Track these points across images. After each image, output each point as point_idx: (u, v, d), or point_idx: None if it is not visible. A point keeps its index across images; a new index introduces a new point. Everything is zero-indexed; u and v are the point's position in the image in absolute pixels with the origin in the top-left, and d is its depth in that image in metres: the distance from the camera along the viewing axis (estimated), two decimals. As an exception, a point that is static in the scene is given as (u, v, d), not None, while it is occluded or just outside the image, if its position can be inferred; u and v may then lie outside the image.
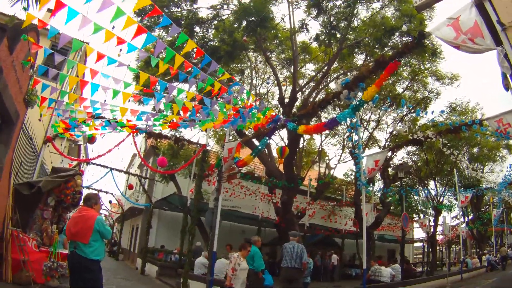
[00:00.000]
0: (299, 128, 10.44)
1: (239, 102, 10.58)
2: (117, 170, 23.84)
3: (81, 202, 24.26)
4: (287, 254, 10.83)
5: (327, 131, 30.40)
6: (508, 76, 8.91)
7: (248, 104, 10.81)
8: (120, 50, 7.34)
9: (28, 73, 11.00)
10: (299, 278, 10.85)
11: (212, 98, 10.15)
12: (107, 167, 23.51)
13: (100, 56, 7.49)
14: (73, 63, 8.77)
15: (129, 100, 9.56)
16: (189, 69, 8.10)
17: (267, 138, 13.13)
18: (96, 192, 12.88)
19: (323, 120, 23.09)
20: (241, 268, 9.89)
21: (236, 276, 9.86)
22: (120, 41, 7.07)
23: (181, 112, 10.66)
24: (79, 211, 7.21)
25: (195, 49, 8.60)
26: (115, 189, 32.24)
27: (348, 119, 17.76)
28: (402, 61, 21.25)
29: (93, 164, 23.49)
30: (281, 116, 12.09)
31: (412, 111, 24.93)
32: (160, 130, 15.67)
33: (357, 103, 8.56)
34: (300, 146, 29.47)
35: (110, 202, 35.75)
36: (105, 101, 10.10)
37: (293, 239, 11.26)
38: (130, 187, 29.53)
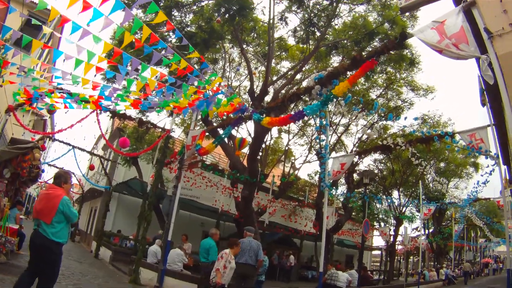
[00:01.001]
0: (263, 119, 10.11)
1: (205, 84, 10.15)
2: (79, 148, 23.25)
3: (41, 178, 23.79)
4: (243, 250, 10.46)
5: (295, 130, 30.33)
6: (485, 92, 8.76)
7: (215, 88, 10.41)
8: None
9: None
10: (253, 275, 10.56)
11: (177, 78, 9.78)
12: (69, 144, 22.91)
13: (64, 21, 7.06)
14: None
15: (95, 75, 9.13)
16: (155, 42, 7.72)
17: (231, 127, 12.77)
18: (66, 170, 12.47)
19: (293, 116, 22.98)
20: (230, 266, 9.51)
21: (225, 274, 9.47)
22: (86, 6, 6.63)
23: (144, 90, 10.23)
24: (47, 189, 7.01)
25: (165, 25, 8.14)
26: (76, 168, 31.60)
27: (318, 119, 17.63)
28: (379, 68, 21.23)
29: (55, 140, 22.88)
30: (248, 106, 11.72)
31: (383, 118, 24.94)
32: (124, 110, 15.22)
33: (327, 96, 8.27)
34: (267, 143, 29.34)
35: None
36: (71, 74, 9.67)
37: (249, 235, 10.93)
38: (91, 167, 28.94)
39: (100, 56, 8.04)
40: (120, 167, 27.41)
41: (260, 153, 28.05)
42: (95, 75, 9.08)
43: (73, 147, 23.03)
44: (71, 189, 6.92)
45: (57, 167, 29.73)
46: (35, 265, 6.45)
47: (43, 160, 30.91)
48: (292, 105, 22.57)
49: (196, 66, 11.44)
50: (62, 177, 6.88)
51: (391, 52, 8.29)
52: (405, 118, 17.11)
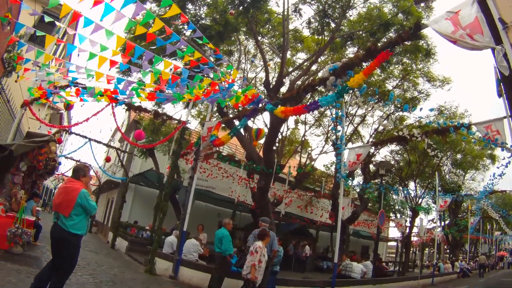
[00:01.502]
0: (277, 109, 10.09)
1: (220, 76, 10.13)
2: (95, 141, 23.37)
3: (57, 171, 23.89)
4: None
5: (312, 121, 30.24)
6: (501, 83, 8.68)
7: (230, 80, 10.40)
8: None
9: (5, 31, 10.61)
10: (268, 266, 10.51)
11: (191, 69, 9.80)
12: (85, 137, 23.05)
13: (76, 16, 7.12)
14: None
15: (109, 69, 9.19)
16: (169, 35, 7.75)
17: (246, 118, 12.77)
18: (85, 163, 12.56)
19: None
20: (265, 260, 9.64)
21: (260, 269, 9.57)
22: (98, 1, 6.68)
23: (158, 83, 10.26)
24: (65, 182, 7.02)
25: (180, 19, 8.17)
26: (93, 161, 31.75)
27: (334, 110, 17.58)
28: (395, 59, 21.08)
29: (72, 133, 23.06)
30: (263, 97, 11.70)
31: (399, 109, 24.79)
32: (140, 103, 15.30)
33: (342, 88, 8.26)
34: (284, 134, 29.33)
35: (88, 173, 35.05)
36: (85, 67, 9.74)
37: (264, 225, 10.92)
38: (107, 159, 29.13)
39: (114, 50, 8.09)
40: (136, 159, 27.54)
41: (277, 144, 28.12)
42: (109, 69, 9.14)
43: (89, 139, 23.17)
44: (90, 182, 6.94)
45: (74, 160, 30.01)
46: (54, 257, 6.52)
47: (59, 153, 31.22)
48: (308, 96, 22.56)
49: (211, 59, 11.38)
50: (81, 171, 6.92)
51: (406, 42, 8.26)
52: (421, 109, 16.95)
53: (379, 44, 8.05)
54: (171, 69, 9.45)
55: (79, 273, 10.73)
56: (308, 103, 9.52)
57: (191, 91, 10.85)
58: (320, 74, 19.18)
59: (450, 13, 6.42)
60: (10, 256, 10.47)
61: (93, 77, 9.92)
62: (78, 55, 8.27)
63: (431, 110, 16.71)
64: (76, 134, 23.06)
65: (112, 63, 8.32)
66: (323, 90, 18.82)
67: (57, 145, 14.96)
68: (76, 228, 6.41)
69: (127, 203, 24.60)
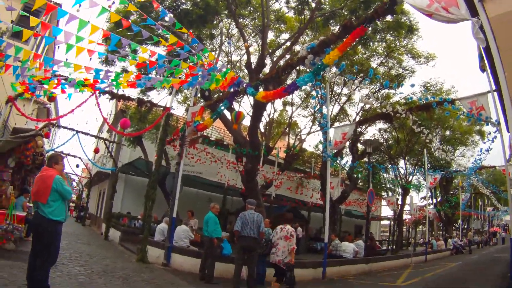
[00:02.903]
0: (258, 94, 10.09)
1: (196, 60, 10.04)
2: (82, 133, 23.22)
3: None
4: (245, 223, 10.48)
5: (299, 102, 30.23)
6: (484, 57, 8.69)
7: (207, 64, 10.33)
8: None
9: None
10: (256, 248, 10.54)
11: (169, 54, 9.74)
12: (72, 129, 22.92)
13: (50, 8, 7.08)
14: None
15: (90, 59, 9.12)
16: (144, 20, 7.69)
17: (227, 101, 12.73)
18: (59, 152, 12.53)
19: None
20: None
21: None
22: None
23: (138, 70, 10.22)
24: (41, 172, 7.08)
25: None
26: (82, 153, 31.71)
27: (318, 90, 17.59)
28: (378, 36, 21.04)
29: (59, 126, 22.97)
30: (242, 79, 11.62)
31: (384, 87, 24.84)
32: (123, 91, 15.26)
33: (318, 66, 8.24)
34: (271, 116, 29.36)
35: (77, 166, 35.00)
36: (66, 60, 9.66)
37: (250, 208, 10.91)
38: (96, 150, 28.95)
39: (89, 39, 8.02)
40: (125, 149, 27.44)
41: (266, 127, 28.12)
42: (90, 59, 9.09)
43: (77, 132, 23.03)
44: (64, 169, 7.09)
45: (64, 154, 29.86)
46: (35, 246, 6.63)
47: (48, 147, 31.07)
48: (294, 76, 22.53)
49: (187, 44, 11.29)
50: (53, 158, 7.14)
51: (381, 17, 8.25)
52: (412, 85, 17.03)
53: (354, 20, 8.04)
54: (149, 55, 9.41)
55: (71, 264, 10.78)
56: (287, 85, 9.50)
57: (166, 78, 10.78)
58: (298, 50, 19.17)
59: (426, -14, 6.42)
60: (2, 252, 10.48)
61: (71, 67, 9.83)
62: (58, 47, 8.26)
63: (412, 85, 16.67)
64: (63, 127, 22.97)
65: (90, 52, 8.25)
66: (308, 70, 18.85)
67: (45, 139, 14.92)
68: (55, 214, 6.56)
69: (118, 194, 24.62)
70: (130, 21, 7.78)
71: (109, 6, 7.41)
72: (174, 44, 8.69)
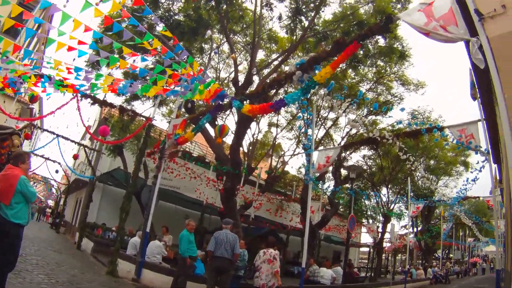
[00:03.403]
0: (244, 107, 9.75)
1: (180, 68, 9.64)
2: (63, 137, 22.81)
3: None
4: (219, 243, 10.12)
5: (284, 124, 30.07)
6: (476, 85, 8.46)
7: (191, 73, 9.94)
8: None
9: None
10: (229, 269, 10.19)
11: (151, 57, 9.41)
12: (53, 133, 22.48)
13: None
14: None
15: (73, 59, 8.74)
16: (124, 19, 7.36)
17: (210, 115, 12.37)
18: (24, 150, 12.12)
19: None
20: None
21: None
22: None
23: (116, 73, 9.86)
24: (5, 170, 6.66)
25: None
26: (62, 158, 31.20)
27: (304, 112, 17.32)
28: (369, 62, 20.92)
29: (40, 128, 22.57)
30: (226, 93, 11.26)
31: (372, 112, 24.73)
32: (105, 96, 14.92)
33: (308, 83, 7.90)
34: (256, 136, 29.16)
35: (56, 171, 34.42)
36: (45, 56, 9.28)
37: (225, 227, 10.57)
38: (75, 156, 28.47)
39: (70, 35, 7.65)
40: (105, 158, 27.01)
41: (249, 147, 27.86)
42: (74, 59, 8.73)
43: (57, 135, 22.61)
44: (29, 169, 6.92)
45: (45, 158, 29.42)
46: None
47: (29, 149, 30.47)
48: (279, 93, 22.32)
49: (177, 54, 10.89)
50: (20, 157, 6.81)
51: (376, 35, 7.98)
52: (402, 109, 16.95)
53: (347, 38, 7.75)
54: (134, 60, 9.08)
55: (35, 272, 10.43)
56: (274, 101, 9.18)
57: (147, 85, 10.40)
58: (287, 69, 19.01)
59: (423, 4, 6.25)
60: None
61: (50, 63, 9.47)
62: (37, 39, 7.91)
63: (402, 110, 16.58)
64: (44, 130, 22.56)
65: (70, 48, 7.85)
66: (295, 88, 18.66)
67: (26, 140, 14.47)
68: (17, 217, 6.27)
69: (94, 203, 24.26)
70: (114, 21, 7.37)
71: (96, 4, 7.03)
72: (158, 49, 8.37)
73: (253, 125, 28.30)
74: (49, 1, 6.94)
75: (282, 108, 10.18)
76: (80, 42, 7.72)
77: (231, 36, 20.53)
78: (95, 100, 15.69)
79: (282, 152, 33.48)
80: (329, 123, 29.11)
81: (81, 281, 10.92)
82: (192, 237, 11.56)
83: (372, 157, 35.62)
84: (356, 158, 47.59)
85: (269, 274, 9.91)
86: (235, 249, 10.10)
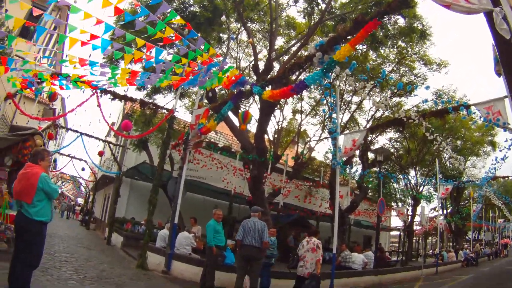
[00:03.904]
0: (264, 92, 9.56)
1: (196, 55, 9.45)
2: (86, 135, 22.90)
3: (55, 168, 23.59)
4: (247, 231, 9.99)
5: (308, 110, 29.84)
6: (499, 61, 8.17)
7: (207, 60, 9.76)
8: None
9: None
10: (258, 258, 10.03)
11: (164, 47, 9.28)
12: (76, 131, 22.60)
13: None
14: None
15: (90, 55, 8.68)
16: (137, 8, 7.23)
17: (231, 102, 12.21)
18: (44, 148, 12.21)
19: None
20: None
21: None
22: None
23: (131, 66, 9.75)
24: (24, 168, 6.59)
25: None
26: (88, 156, 31.47)
27: (328, 96, 17.09)
28: (390, 43, 20.57)
29: (61, 127, 22.69)
30: (247, 78, 11.09)
31: (397, 93, 24.41)
32: (125, 91, 14.92)
33: (328, 64, 7.69)
34: (281, 124, 29.06)
35: (83, 169, 34.70)
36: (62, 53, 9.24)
37: (254, 215, 10.43)
38: (100, 153, 28.63)
39: (81, 29, 7.54)
40: (130, 153, 27.12)
41: (275, 134, 27.76)
42: (90, 55, 8.67)
43: (81, 134, 22.71)
44: (49, 167, 6.96)
45: (70, 156, 29.64)
46: (18, 247, 6.25)
47: (55, 148, 30.74)
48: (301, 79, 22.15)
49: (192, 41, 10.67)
50: (39, 154, 6.68)
51: (395, 12, 7.75)
52: (427, 87, 16.62)
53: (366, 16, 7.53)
54: (150, 52, 8.94)
55: (63, 268, 10.42)
56: (294, 84, 8.93)
57: (165, 76, 10.26)
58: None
59: (443, -24, 5.93)
60: None
61: (67, 63, 9.40)
62: (51, 38, 7.84)
63: (427, 88, 16.22)
64: (67, 129, 22.68)
65: (83, 43, 7.75)
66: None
67: (50, 140, 14.57)
68: (40, 215, 6.20)
69: (122, 198, 24.51)
70: (125, 11, 7.24)
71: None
72: (172, 37, 8.24)
73: (277, 112, 28.24)
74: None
75: (304, 90, 10.00)
76: (92, 36, 7.62)
77: (248, 24, 20.36)
78: (115, 96, 15.68)
79: (308, 139, 33.31)
80: (354, 106, 28.91)
81: (110, 275, 10.89)
82: (219, 226, 11.48)
83: (399, 139, 35.34)
84: (382, 141, 47.20)
85: (313, 262, 9.95)
86: (264, 237, 9.94)
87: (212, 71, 9.75)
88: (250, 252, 9.84)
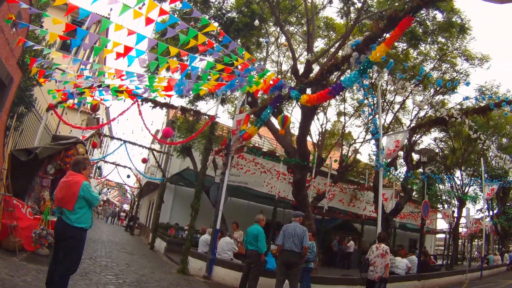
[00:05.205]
0: (301, 97, 9.49)
1: (231, 60, 9.41)
2: (130, 142, 23.24)
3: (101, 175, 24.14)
4: (287, 236, 9.95)
5: (351, 111, 29.65)
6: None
7: (243, 64, 9.74)
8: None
9: (12, 33, 10.44)
10: (298, 263, 9.98)
11: (199, 54, 9.30)
12: (120, 139, 22.96)
13: (71, 9, 6.78)
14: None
15: (128, 65, 8.76)
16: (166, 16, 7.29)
17: (271, 107, 12.16)
18: (84, 156, 12.45)
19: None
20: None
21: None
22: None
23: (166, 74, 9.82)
24: (66, 176, 6.71)
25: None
26: (131, 163, 32.03)
27: (368, 96, 16.89)
28: (429, 39, 20.23)
29: (105, 135, 23.06)
30: (284, 82, 11.03)
31: (439, 92, 24.00)
32: (165, 99, 15.06)
33: (364, 63, 7.58)
34: (324, 127, 29.01)
35: (128, 176, 35.25)
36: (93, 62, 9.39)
37: (295, 220, 10.37)
38: (143, 160, 29.04)
39: (114, 41, 7.64)
40: (174, 159, 27.44)
41: (319, 137, 27.64)
42: (128, 65, 8.76)
43: (124, 142, 23.06)
44: (90, 175, 7.10)
45: (115, 164, 30.11)
46: (58, 252, 6.35)
47: (99, 156, 31.29)
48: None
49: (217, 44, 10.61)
50: (81, 163, 6.78)
51: (429, 5, 7.56)
52: (467, 83, 16.23)
53: (400, 11, 7.34)
54: (186, 59, 9.01)
55: (103, 273, 10.59)
56: (331, 86, 8.82)
57: (201, 82, 10.30)
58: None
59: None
60: (35, 257, 10.39)
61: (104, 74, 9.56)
62: (84, 49, 7.98)
63: (467, 84, 15.91)
64: (111, 137, 23.03)
65: (118, 54, 7.84)
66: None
67: (94, 149, 14.80)
68: (81, 222, 6.32)
69: (166, 204, 24.89)
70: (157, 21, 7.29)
71: (139, 8, 6.95)
72: (204, 44, 8.21)
73: (321, 115, 28.17)
74: (88, 10, 6.96)
75: (346, 92, 9.90)
76: (126, 48, 7.70)
77: (287, 27, 20.32)
78: (156, 103, 15.84)
79: (353, 141, 33.07)
80: (397, 106, 28.66)
81: (150, 280, 10.98)
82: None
83: (444, 139, 34.81)
84: (427, 141, 46.40)
85: (382, 267, 10.31)
86: (304, 242, 9.86)
87: (248, 75, 9.75)
88: (290, 257, 9.82)
